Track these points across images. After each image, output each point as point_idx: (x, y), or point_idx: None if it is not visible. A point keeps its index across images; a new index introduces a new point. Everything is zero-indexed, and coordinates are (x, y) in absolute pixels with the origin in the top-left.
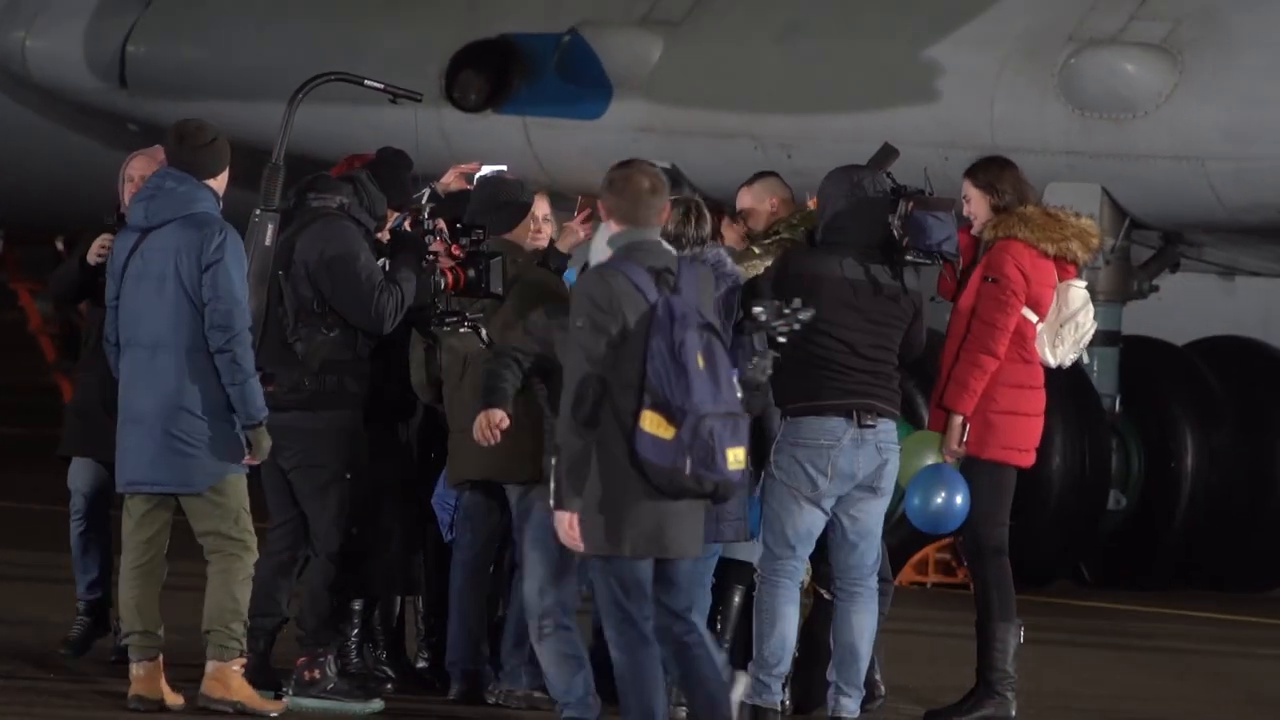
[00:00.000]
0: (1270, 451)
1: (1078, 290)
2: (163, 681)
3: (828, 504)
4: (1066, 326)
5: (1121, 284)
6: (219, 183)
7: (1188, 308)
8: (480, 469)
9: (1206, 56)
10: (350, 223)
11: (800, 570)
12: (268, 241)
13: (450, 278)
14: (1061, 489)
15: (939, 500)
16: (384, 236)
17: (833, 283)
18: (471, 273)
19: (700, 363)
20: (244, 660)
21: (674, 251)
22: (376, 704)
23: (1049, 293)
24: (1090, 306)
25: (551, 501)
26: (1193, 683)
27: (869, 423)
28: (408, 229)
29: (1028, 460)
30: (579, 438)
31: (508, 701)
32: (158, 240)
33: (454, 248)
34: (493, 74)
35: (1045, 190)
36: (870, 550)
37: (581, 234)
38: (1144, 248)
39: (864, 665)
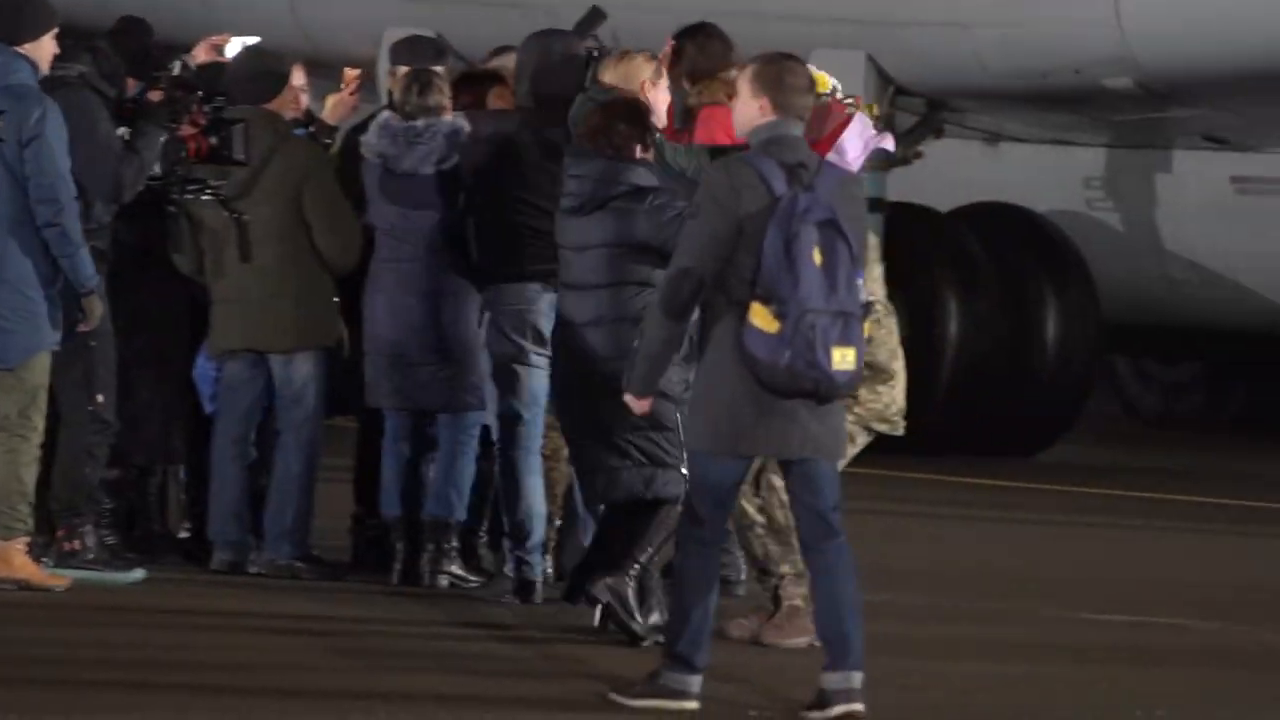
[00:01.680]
0: (1032, 317)
1: None
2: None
3: (540, 361)
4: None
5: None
6: (38, 49)
7: (952, 174)
8: (241, 339)
9: None
10: (89, 91)
11: (538, 435)
12: None
13: (192, 145)
14: None
15: None
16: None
17: (515, 148)
18: (214, 139)
19: (817, 258)
20: (29, 539)
21: (462, 124)
22: (138, 573)
23: None
24: None
25: (624, 382)
26: (951, 545)
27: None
28: (151, 98)
29: None
30: (663, 329)
31: (270, 571)
32: None
33: (196, 115)
34: None
35: (810, 57)
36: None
37: (351, 105)
38: (908, 114)
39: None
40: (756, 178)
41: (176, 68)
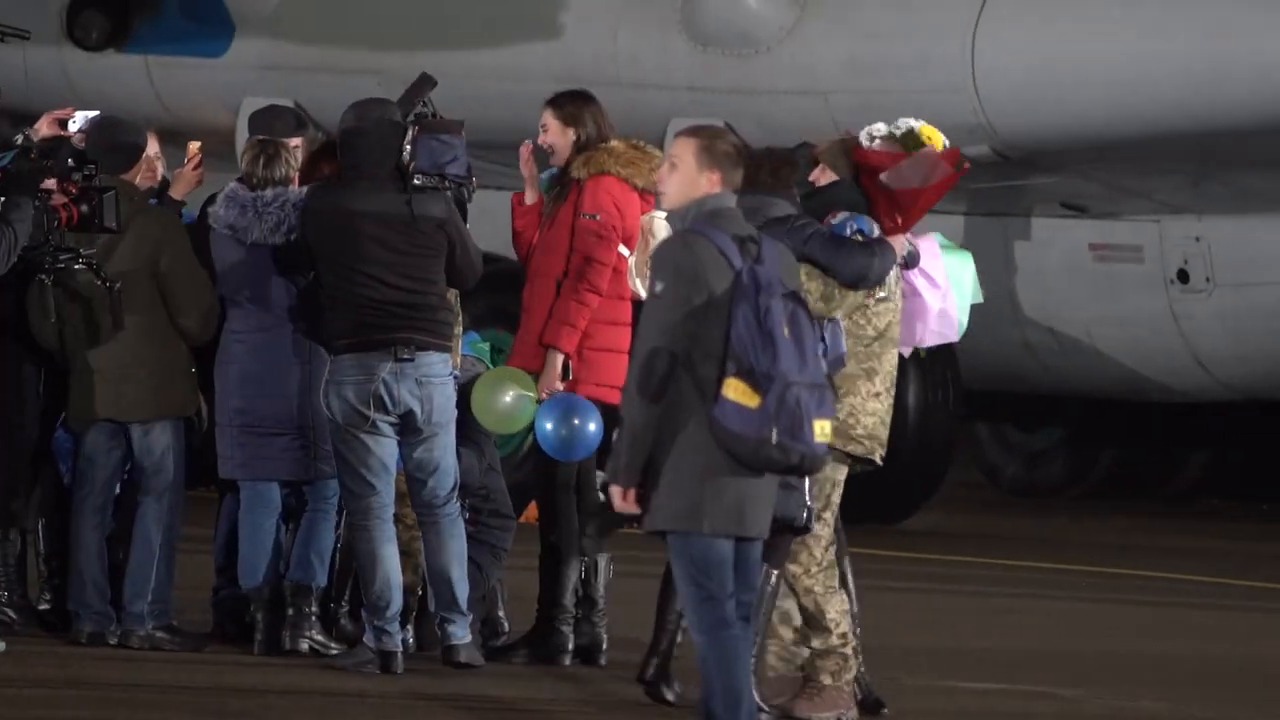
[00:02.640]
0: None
1: (661, 221)
2: None
3: (388, 429)
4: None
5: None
6: None
7: None
8: (100, 409)
9: None
10: None
11: (389, 505)
12: None
13: (64, 214)
14: None
15: (573, 425)
16: None
17: (353, 216)
18: (85, 208)
19: (786, 331)
20: None
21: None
22: None
23: (637, 226)
24: None
25: (608, 474)
26: None
27: (406, 356)
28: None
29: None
30: (642, 412)
31: (131, 641)
32: None
33: (68, 184)
34: (114, 12)
35: (669, 126)
36: (441, 483)
37: (194, 180)
38: None
39: (459, 591)
40: (716, 251)
41: (19, 139)
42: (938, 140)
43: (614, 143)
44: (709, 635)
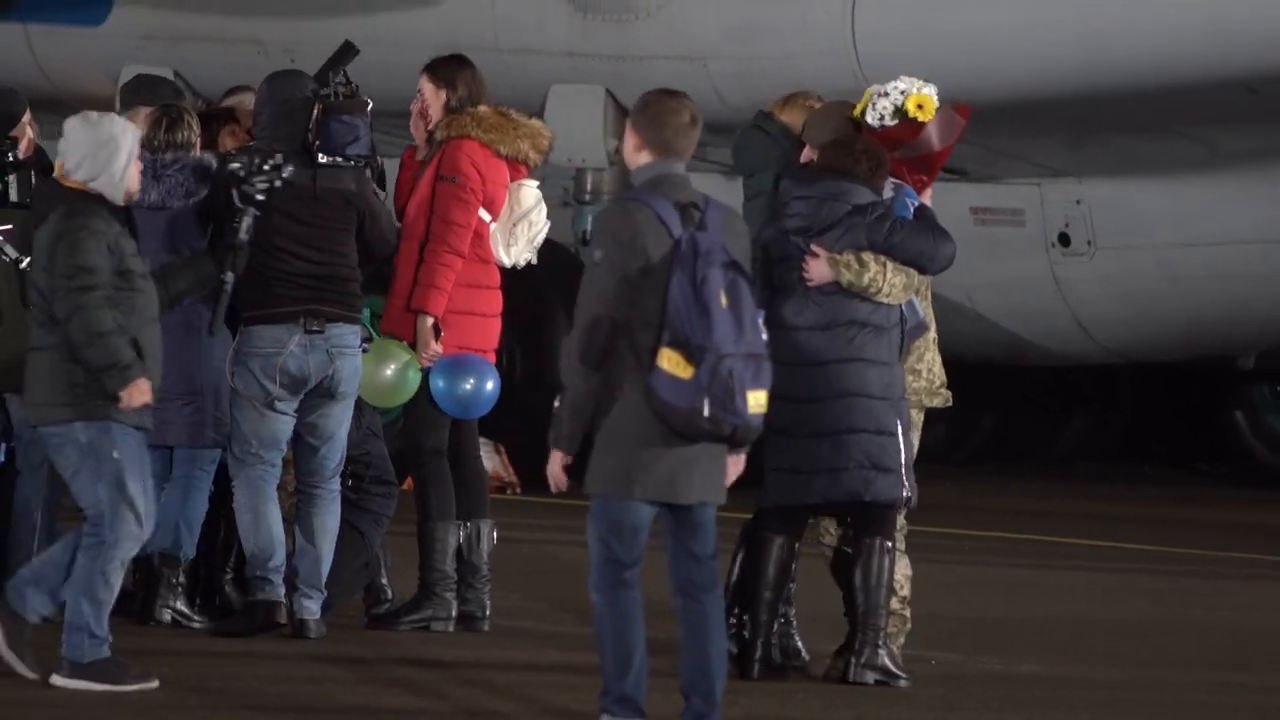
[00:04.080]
0: None
1: (529, 190)
2: None
3: (286, 407)
4: (520, 225)
5: (626, 185)
6: None
7: None
8: None
9: None
10: None
11: (277, 473)
12: None
13: None
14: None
15: (467, 385)
16: None
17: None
18: None
19: (724, 301)
20: None
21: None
22: None
23: (502, 192)
24: (543, 206)
25: (550, 440)
26: None
27: (315, 328)
28: None
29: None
30: (583, 380)
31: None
32: None
33: None
34: None
35: (550, 92)
36: (331, 454)
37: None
38: None
39: (324, 566)
40: (655, 219)
41: None
42: (929, 104)
43: (481, 108)
44: (607, 595)
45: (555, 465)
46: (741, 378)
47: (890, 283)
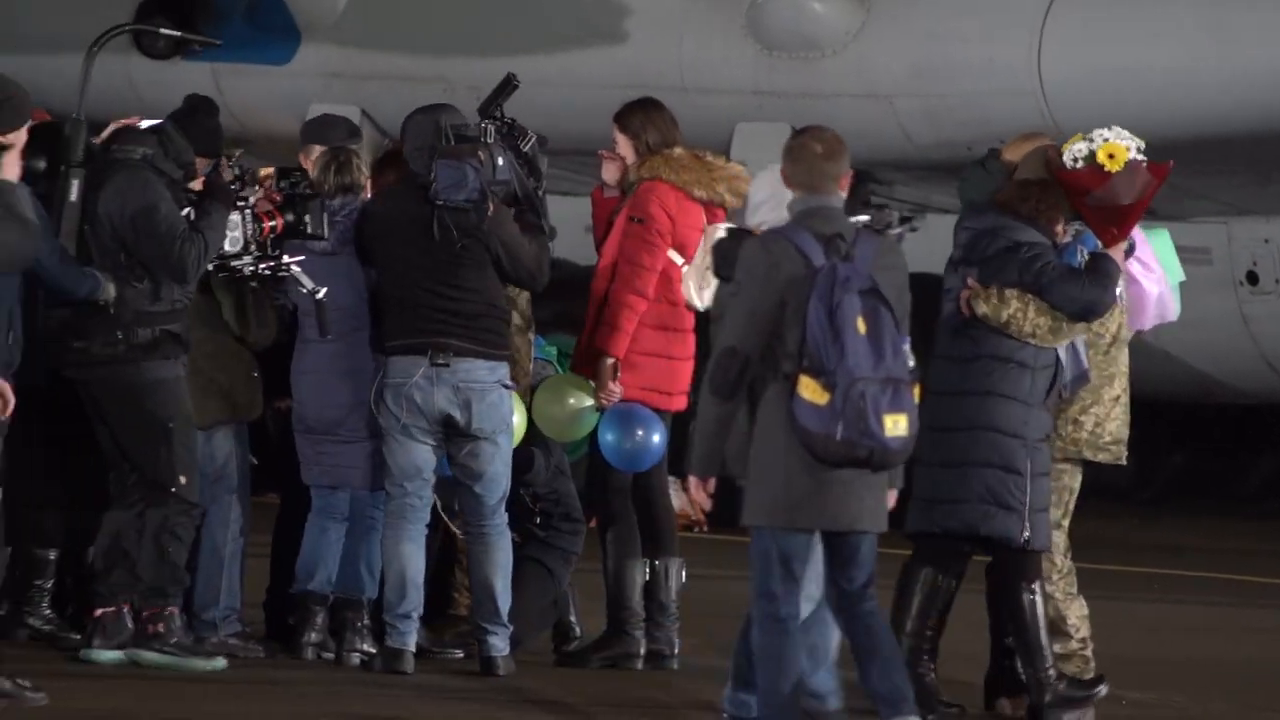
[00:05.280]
0: None
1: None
2: None
3: (425, 437)
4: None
5: None
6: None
7: None
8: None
9: None
10: (152, 173)
11: (423, 507)
12: (73, 197)
13: (268, 223)
14: None
15: (636, 437)
16: (198, 185)
17: (400, 223)
18: (290, 216)
19: (861, 328)
20: None
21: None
22: (220, 662)
23: (696, 235)
24: None
25: (687, 463)
26: None
27: (441, 360)
28: (218, 177)
29: (675, 404)
30: (714, 409)
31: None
32: None
33: (272, 193)
34: (180, 21)
35: (734, 131)
36: (488, 492)
37: None
38: None
39: (504, 601)
40: (794, 250)
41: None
42: (1121, 154)
43: (677, 150)
44: (762, 630)
45: (694, 488)
46: (876, 401)
47: (1034, 322)
